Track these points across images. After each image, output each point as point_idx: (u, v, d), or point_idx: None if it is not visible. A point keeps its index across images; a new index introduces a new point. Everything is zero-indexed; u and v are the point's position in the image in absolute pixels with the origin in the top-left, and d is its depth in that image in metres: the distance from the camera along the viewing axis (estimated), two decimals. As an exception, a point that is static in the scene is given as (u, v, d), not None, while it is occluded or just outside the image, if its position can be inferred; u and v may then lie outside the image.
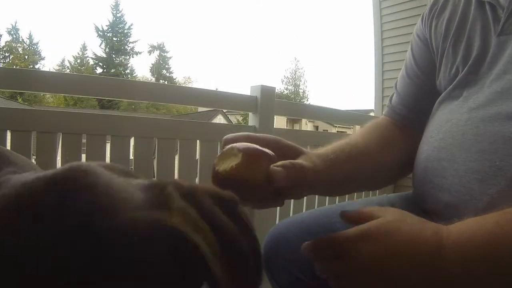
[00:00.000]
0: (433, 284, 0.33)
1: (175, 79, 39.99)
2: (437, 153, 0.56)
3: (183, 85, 33.09)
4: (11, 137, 1.05)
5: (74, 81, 1.18)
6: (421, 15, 0.73)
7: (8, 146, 0.99)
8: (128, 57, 35.53)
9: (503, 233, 0.32)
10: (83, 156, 1.07)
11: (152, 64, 40.22)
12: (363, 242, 0.37)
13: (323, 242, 0.40)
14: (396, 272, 0.35)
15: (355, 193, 1.54)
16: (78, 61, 33.62)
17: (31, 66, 29.27)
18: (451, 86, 0.61)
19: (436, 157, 0.56)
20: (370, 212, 0.42)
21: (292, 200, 1.69)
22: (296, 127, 23.84)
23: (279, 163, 0.44)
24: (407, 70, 0.75)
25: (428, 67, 0.70)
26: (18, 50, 32.86)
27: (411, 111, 0.73)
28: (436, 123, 0.61)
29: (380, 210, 0.42)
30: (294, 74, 39.91)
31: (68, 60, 34.45)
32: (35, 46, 33.54)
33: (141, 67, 68.22)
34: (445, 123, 0.58)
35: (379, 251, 0.36)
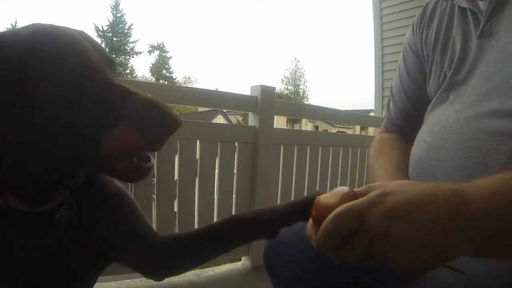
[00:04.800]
0: (460, 218, 0.33)
1: (175, 79, 40.00)
2: (427, 154, 0.58)
3: (183, 85, 33.11)
4: (11, 137, 1.04)
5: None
6: (411, 24, 0.75)
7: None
8: (128, 57, 35.52)
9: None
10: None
11: (152, 64, 40.22)
12: (386, 197, 0.36)
13: (343, 213, 0.36)
14: (423, 214, 0.34)
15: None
16: (78, 61, 33.58)
17: (31, 66, 29.16)
18: (439, 91, 0.64)
19: (426, 158, 0.58)
20: (380, 184, 0.41)
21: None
22: (296, 127, 23.83)
23: None
24: (401, 81, 0.78)
25: (420, 80, 0.73)
26: (18, 50, 32.78)
27: (407, 122, 0.77)
28: (427, 127, 0.63)
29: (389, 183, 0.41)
30: (294, 74, 39.91)
31: (68, 60, 34.38)
32: (35, 46, 33.49)
33: (141, 67, 68.42)
34: (434, 126, 0.60)
35: (403, 200, 0.35)
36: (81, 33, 0.48)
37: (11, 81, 0.40)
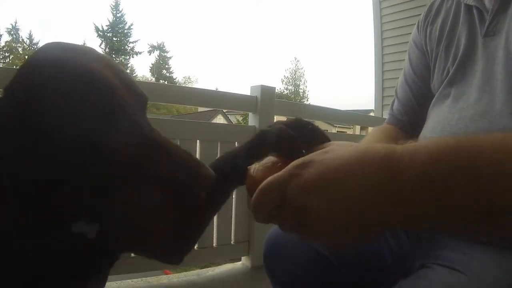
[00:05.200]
0: (388, 184, 0.30)
1: (175, 79, 40.00)
2: None
3: (183, 85, 33.14)
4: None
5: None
6: (417, 22, 0.75)
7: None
8: (128, 57, 35.57)
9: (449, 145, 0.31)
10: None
11: (152, 64, 40.26)
12: (304, 168, 0.33)
13: (264, 189, 0.34)
14: (342, 186, 0.31)
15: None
16: (78, 61, 33.58)
17: (31, 66, 29.15)
18: (441, 86, 0.64)
19: None
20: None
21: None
22: (296, 127, 23.76)
23: None
24: (406, 77, 0.78)
25: (425, 74, 0.73)
26: (18, 50, 32.92)
27: (411, 118, 0.76)
28: (430, 125, 0.63)
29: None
30: (294, 74, 39.89)
31: (68, 60, 34.38)
32: (35, 46, 33.54)
33: (141, 67, 68.29)
34: (438, 124, 0.60)
35: (321, 170, 0.32)
36: (104, 60, 0.41)
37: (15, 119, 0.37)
